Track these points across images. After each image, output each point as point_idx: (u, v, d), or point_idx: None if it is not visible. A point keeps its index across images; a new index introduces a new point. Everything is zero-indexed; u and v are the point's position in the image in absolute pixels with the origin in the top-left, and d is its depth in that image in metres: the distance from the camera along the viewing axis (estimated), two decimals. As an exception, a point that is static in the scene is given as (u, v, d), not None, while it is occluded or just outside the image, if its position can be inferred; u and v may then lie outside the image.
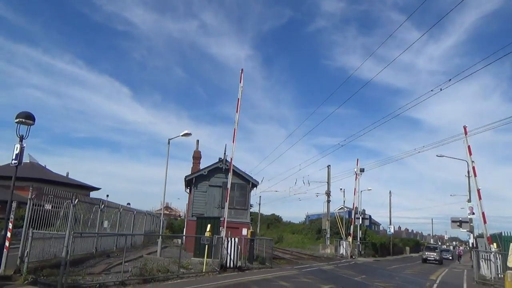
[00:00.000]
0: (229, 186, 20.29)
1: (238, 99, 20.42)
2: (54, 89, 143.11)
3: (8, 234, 10.84)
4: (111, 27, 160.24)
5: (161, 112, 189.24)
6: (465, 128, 22.51)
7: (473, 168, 22.26)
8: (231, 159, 20.74)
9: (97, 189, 45.30)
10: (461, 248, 52.42)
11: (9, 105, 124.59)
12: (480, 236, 28.86)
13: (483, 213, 21.27)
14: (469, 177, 34.13)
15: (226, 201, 19.96)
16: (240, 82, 20.56)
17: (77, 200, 13.71)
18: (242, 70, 20.72)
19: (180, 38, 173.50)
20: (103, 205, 18.20)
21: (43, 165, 43.70)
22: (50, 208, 12.61)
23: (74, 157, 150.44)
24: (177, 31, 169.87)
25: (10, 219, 10.97)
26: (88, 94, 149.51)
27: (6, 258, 10.82)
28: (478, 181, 21.94)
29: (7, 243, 10.80)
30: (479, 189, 21.61)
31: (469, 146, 22.31)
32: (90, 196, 32.72)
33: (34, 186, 11.95)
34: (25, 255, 10.99)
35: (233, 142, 20.29)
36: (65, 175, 45.09)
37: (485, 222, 21.29)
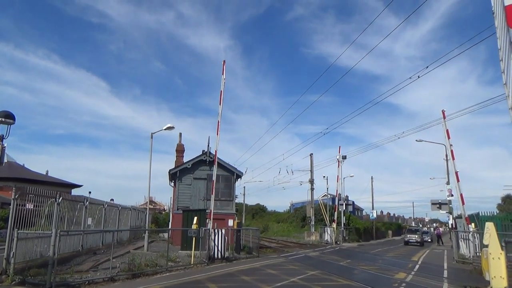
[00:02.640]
0: (214, 178, 20.34)
1: (221, 91, 20.30)
2: (28, 85, 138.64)
3: (-8, 236, 10.67)
4: (85, 19, 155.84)
5: (141, 105, 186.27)
6: (443, 112, 23.14)
7: (451, 151, 22.94)
8: (216, 151, 20.70)
9: (79, 186, 44.46)
10: (440, 229, 53.68)
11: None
12: (459, 217, 29.82)
13: (461, 195, 22.04)
14: (447, 160, 35.04)
15: (212, 193, 19.98)
16: (223, 74, 20.36)
17: (61, 198, 13.55)
18: (224, 62, 20.52)
19: (157, 30, 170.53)
20: (87, 202, 18.02)
21: (22, 164, 42.65)
22: (31, 207, 12.43)
23: (53, 155, 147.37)
24: (153, 22, 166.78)
25: (-6, 220, 10.79)
26: (64, 90, 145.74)
27: (-9, 260, 10.69)
28: (456, 163, 22.67)
29: (-9, 245, 10.64)
30: (457, 171, 22.33)
31: (447, 130, 22.96)
32: (72, 194, 32.24)
33: (16, 186, 11.73)
34: (11, 256, 10.84)
35: (217, 134, 20.26)
36: (45, 173, 44.14)
37: (463, 203, 22.08)
